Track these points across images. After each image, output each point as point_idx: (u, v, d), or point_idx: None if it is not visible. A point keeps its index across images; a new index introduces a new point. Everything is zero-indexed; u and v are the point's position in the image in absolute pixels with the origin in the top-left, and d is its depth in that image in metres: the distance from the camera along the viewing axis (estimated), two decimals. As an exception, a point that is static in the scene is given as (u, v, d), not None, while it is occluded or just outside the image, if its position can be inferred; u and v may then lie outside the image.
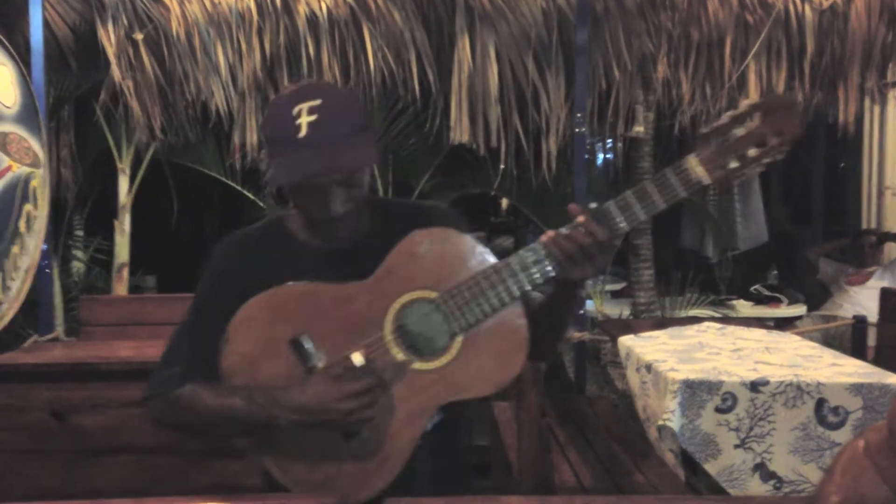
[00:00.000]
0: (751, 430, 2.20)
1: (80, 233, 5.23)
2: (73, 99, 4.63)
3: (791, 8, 4.16)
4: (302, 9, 4.08)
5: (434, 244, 1.40)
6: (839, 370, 2.33)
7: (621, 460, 2.87)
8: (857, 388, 2.19)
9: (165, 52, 4.20)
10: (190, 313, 1.51)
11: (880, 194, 5.68)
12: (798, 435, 2.19)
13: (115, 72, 4.15)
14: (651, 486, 2.62)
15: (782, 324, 5.01)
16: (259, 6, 4.09)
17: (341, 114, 1.36)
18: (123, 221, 4.75)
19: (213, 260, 1.52)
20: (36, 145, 3.18)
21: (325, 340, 1.39)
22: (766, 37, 4.16)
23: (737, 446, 2.21)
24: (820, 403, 2.19)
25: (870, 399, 2.18)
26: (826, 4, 4.15)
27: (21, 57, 3.16)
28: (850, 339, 3.83)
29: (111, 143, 4.64)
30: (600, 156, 6.92)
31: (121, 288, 4.76)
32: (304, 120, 1.32)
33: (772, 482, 2.19)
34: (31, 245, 3.16)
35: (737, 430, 2.21)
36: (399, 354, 1.38)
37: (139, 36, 4.15)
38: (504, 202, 6.62)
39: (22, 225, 3.08)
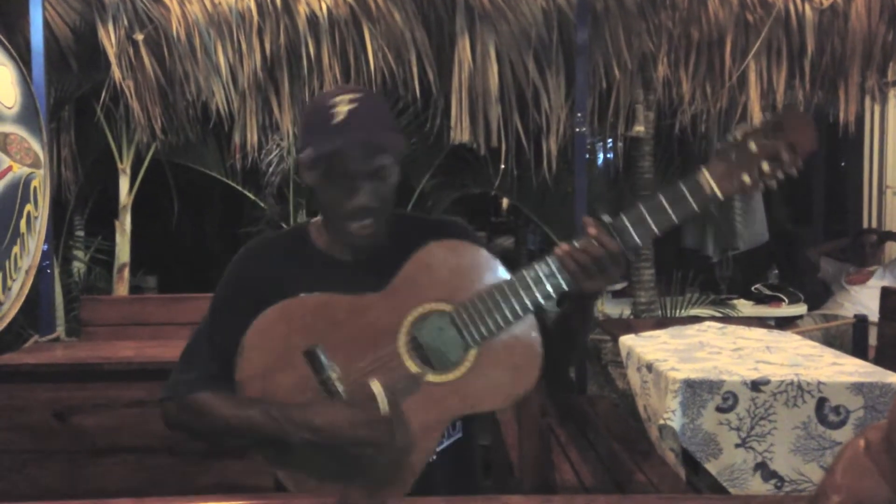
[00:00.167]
0: (752, 430, 2.21)
1: (80, 233, 5.24)
2: (73, 99, 4.63)
3: (791, 7, 4.16)
4: (302, 9, 4.08)
5: (449, 256, 1.41)
6: (840, 369, 2.34)
7: (622, 460, 2.87)
8: (858, 388, 2.19)
9: (166, 53, 4.20)
10: (209, 316, 1.51)
11: (881, 193, 5.68)
12: (799, 434, 2.19)
13: (116, 72, 4.16)
14: (652, 486, 2.62)
15: (783, 323, 5.01)
16: (259, 6, 4.09)
17: (377, 107, 1.44)
18: (124, 221, 4.76)
19: (234, 265, 1.53)
20: (36, 146, 3.18)
21: (339, 352, 1.38)
22: (767, 36, 4.16)
23: (738, 446, 2.21)
24: (821, 403, 2.19)
25: (871, 398, 2.18)
26: (826, 3, 4.15)
27: (22, 57, 3.16)
28: (851, 339, 3.84)
29: (112, 143, 4.65)
30: (601, 155, 6.93)
31: (122, 288, 4.77)
32: (343, 108, 1.37)
33: (773, 481, 2.19)
34: (32, 245, 3.17)
35: (738, 429, 2.21)
36: (413, 367, 1.38)
37: (140, 36, 4.15)
38: (504, 202, 6.63)
39: (23, 225, 3.08)
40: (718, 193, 1.29)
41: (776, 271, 5.74)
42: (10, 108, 3.03)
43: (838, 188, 7.08)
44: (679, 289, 5.02)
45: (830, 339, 4.39)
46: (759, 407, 2.20)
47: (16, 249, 3.03)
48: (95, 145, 4.82)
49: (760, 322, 3.75)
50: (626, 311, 4.76)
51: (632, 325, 3.39)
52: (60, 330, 3.74)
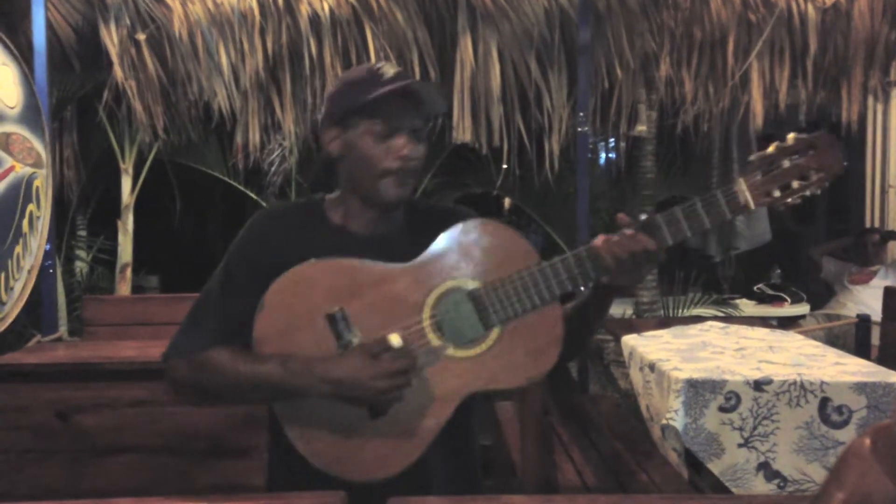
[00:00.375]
0: (754, 430, 2.20)
1: (83, 233, 5.24)
2: (75, 99, 4.64)
3: (794, 7, 4.16)
4: (304, 8, 4.08)
5: (483, 236, 1.43)
6: (843, 369, 2.33)
7: (624, 460, 2.87)
8: (861, 387, 2.19)
9: (168, 53, 4.20)
10: (221, 276, 1.51)
11: (884, 193, 5.67)
12: (802, 434, 2.19)
13: (118, 72, 4.16)
14: (654, 486, 2.62)
15: (786, 323, 5.01)
16: (261, 6, 4.09)
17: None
18: (126, 221, 4.76)
19: (246, 230, 1.53)
20: (39, 146, 3.18)
21: (362, 318, 1.40)
22: (769, 35, 4.16)
23: (740, 445, 2.20)
24: (824, 402, 2.19)
25: (874, 398, 2.18)
26: (829, 3, 4.15)
27: (24, 57, 3.16)
28: (854, 338, 3.83)
29: (114, 143, 4.65)
30: (603, 155, 6.93)
31: (124, 288, 4.77)
32: (390, 70, 1.46)
33: (776, 481, 2.18)
34: (35, 245, 3.17)
35: (740, 429, 2.21)
36: (435, 339, 1.40)
37: (142, 36, 4.15)
38: (506, 201, 6.62)
39: (25, 225, 3.09)
40: (752, 204, 1.35)
41: (779, 271, 5.73)
42: (12, 108, 3.03)
43: (841, 187, 7.05)
44: (682, 288, 5.02)
45: (833, 339, 4.38)
46: (761, 407, 2.20)
47: (18, 249, 3.03)
48: (98, 145, 4.83)
49: (763, 322, 3.74)
50: (629, 311, 4.76)
51: (634, 325, 3.38)
52: (63, 330, 3.74)
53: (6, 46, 3.02)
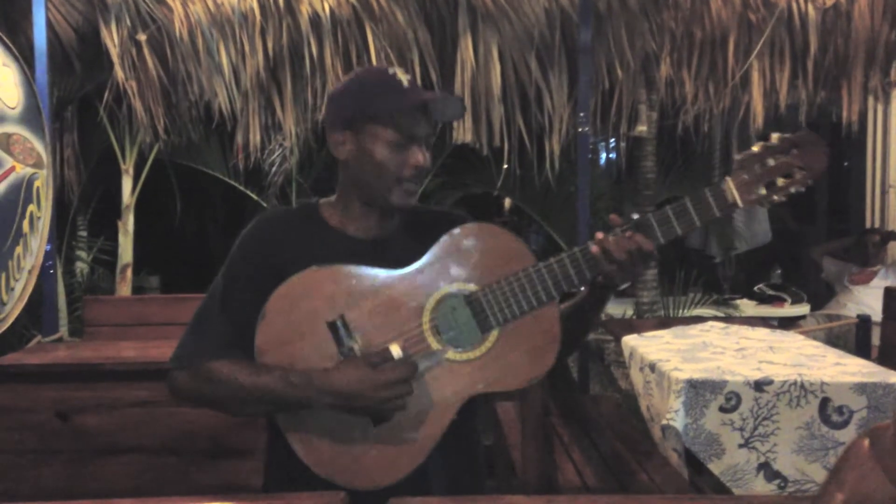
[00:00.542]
0: (755, 430, 2.20)
1: (83, 233, 5.25)
2: (76, 100, 4.65)
3: (794, 7, 4.16)
4: (305, 9, 4.08)
5: (480, 239, 1.45)
6: (843, 369, 2.33)
7: (625, 460, 2.87)
8: (862, 388, 2.19)
9: (168, 53, 4.20)
10: (221, 285, 1.51)
11: (884, 193, 5.67)
12: (802, 434, 2.19)
13: (119, 72, 4.16)
14: (655, 486, 2.62)
15: (786, 323, 5.01)
16: (262, 6, 4.09)
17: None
18: (127, 222, 4.76)
19: (245, 236, 1.53)
20: (39, 146, 3.18)
21: (362, 324, 1.41)
22: (770, 36, 4.15)
23: (741, 446, 2.20)
24: (824, 403, 2.19)
25: (874, 398, 2.18)
26: (829, 3, 4.15)
27: (24, 58, 3.16)
28: (854, 339, 3.83)
29: (114, 143, 4.65)
30: (603, 155, 6.94)
31: (124, 288, 4.77)
32: (405, 76, 1.46)
33: (776, 482, 2.18)
34: (35, 245, 3.17)
35: (741, 429, 2.21)
36: (435, 343, 1.42)
37: (142, 37, 4.15)
38: (507, 202, 6.63)
39: (25, 225, 3.09)
40: (739, 202, 1.39)
41: (779, 271, 5.74)
42: (13, 109, 3.03)
43: (841, 188, 7.07)
44: (682, 289, 5.02)
45: (833, 340, 4.38)
46: (762, 407, 2.20)
47: (19, 250, 3.04)
48: (98, 146, 4.84)
49: (763, 322, 3.74)
50: (629, 311, 4.76)
51: (634, 325, 3.38)
52: (63, 330, 3.75)
53: (7, 47, 3.03)
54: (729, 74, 4.25)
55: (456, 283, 1.43)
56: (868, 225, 5.69)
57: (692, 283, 5.11)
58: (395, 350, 1.38)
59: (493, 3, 4.05)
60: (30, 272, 3.14)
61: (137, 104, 4.26)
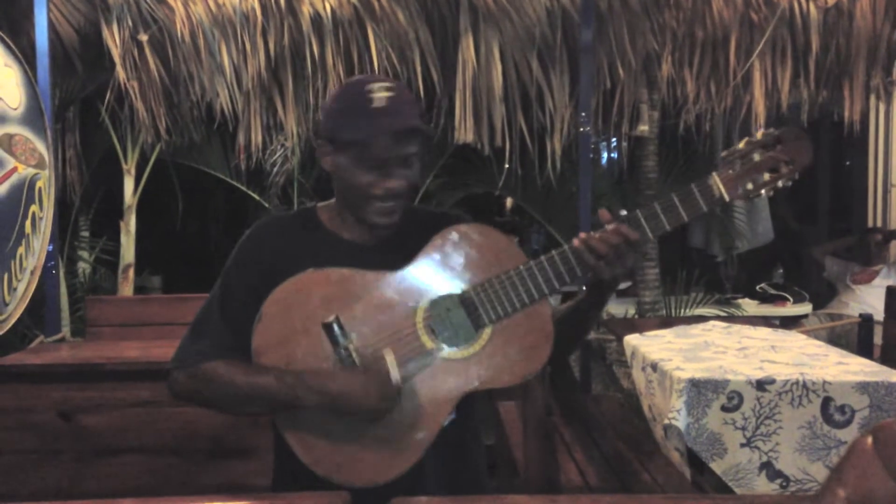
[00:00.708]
0: (757, 429, 2.20)
1: (85, 233, 5.25)
2: (78, 100, 4.65)
3: (796, 6, 4.16)
4: (306, 9, 4.08)
5: (471, 239, 1.47)
6: (845, 369, 2.33)
7: (627, 459, 2.87)
8: (864, 387, 2.19)
9: (170, 53, 4.21)
10: (220, 288, 1.54)
11: (886, 192, 5.67)
12: (804, 433, 2.19)
13: (120, 73, 4.17)
14: (657, 485, 2.61)
15: (788, 322, 5.00)
16: (263, 7, 4.09)
17: (410, 96, 1.50)
18: (129, 222, 4.77)
19: (245, 240, 1.56)
20: (41, 146, 3.19)
21: (357, 325, 1.43)
22: (771, 35, 4.15)
23: (743, 445, 2.20)
24: (826, 402, 2.19)
25: (876, 397, 2.18)
26: (831, 2, 4.14)
27: (26, 58, 3.16)
28: (856, 338, 3.83)
29: (116, 143, 4.66)
30: (605, 155, 6.93)
31: (126, 288, 4.78)
32: (382, 94, 1.43)
33: (778, 481, 2.18)
34: (37, 246, 3.17)
35: (743, 428, 2.21)
36: (429, 342, 1.43)
37: (144, 37, 4.16)
38: (508, 201, 6.62)
39: (28, 226, 3.09)
40: (725, 196, 1.42)
41: (781, 270, 5.73)
42: (15, 109, 3.04)
43: (843, 187, 7.06)
44: (684, 288, 5.02)
45: (835, 339, 4.38)
46: (764, 406, 2.20)
47: (21, 250, 3.04)
48: (100, 146, 4.84)
49: (765, 321, 3.74)
50: (631, 311, 4.76)
51: (636, 325, 3.38)
52: (66, 330, 3.75)
53: (9, 48, 3.03)
54: (731, 74, 4.25)
55: (448, 282, 1.45)
56: (870, 224, 5.69)
57: (694, 282, 5.10)
58: (389, 357, 1.39)
59: (494, 2, 4.05)
60: (32, 272, 3.14)
61: (139, 104, 4.26)
